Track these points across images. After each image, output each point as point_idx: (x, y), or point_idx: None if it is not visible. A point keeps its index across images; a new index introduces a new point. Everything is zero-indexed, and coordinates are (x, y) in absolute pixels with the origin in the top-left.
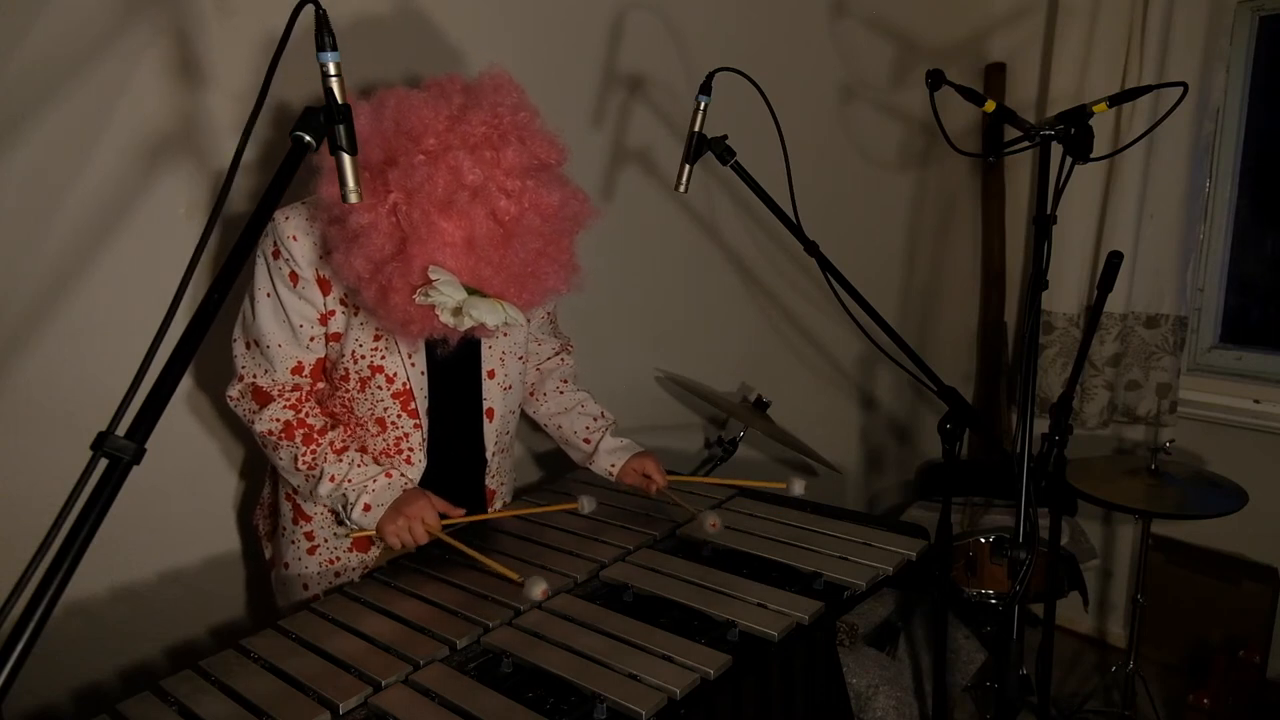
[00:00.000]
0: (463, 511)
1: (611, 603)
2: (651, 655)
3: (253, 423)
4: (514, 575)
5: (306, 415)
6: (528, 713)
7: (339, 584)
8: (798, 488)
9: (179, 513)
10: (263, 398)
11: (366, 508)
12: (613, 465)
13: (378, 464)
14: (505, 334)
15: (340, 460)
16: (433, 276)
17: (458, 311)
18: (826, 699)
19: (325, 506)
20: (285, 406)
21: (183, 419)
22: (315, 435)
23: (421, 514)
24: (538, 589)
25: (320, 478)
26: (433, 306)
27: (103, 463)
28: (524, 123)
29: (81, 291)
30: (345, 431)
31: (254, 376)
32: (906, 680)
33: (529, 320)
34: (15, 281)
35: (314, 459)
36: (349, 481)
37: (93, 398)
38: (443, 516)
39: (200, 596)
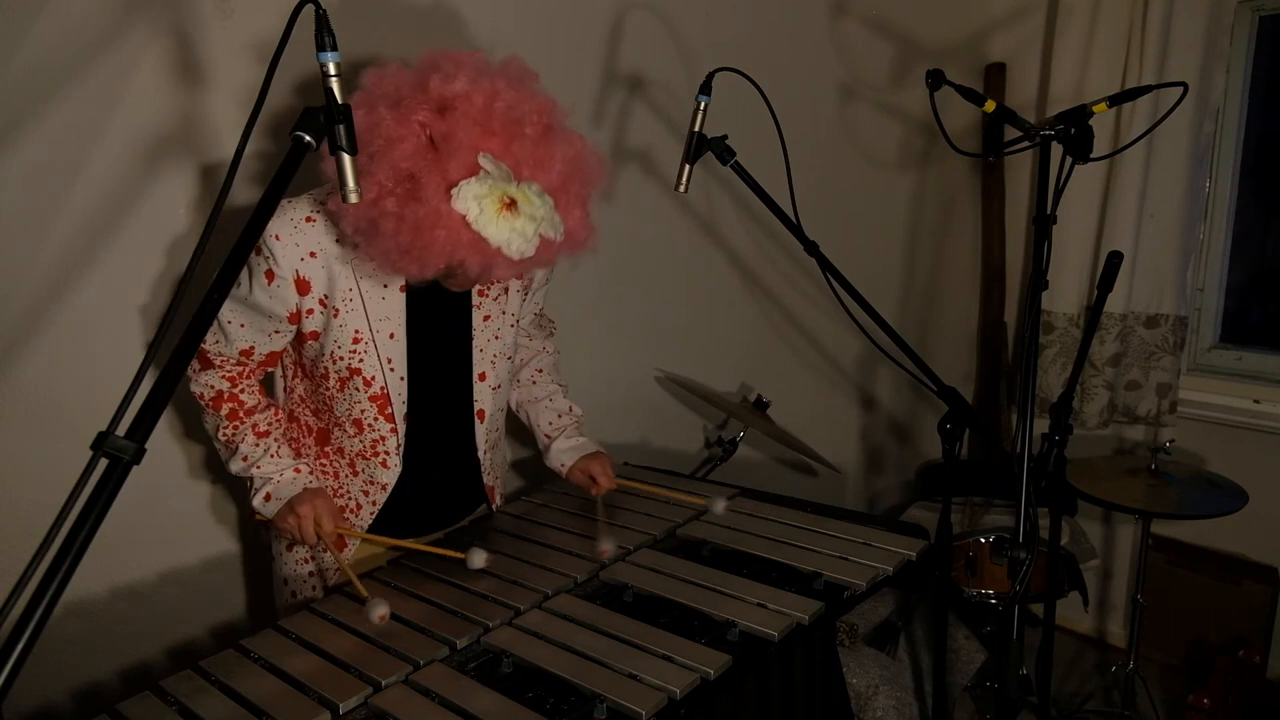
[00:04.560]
0: (349, 524)
1: (611, 603)
2: (651, 655)
3: (190, 380)
4: (364, 593)
5: (241, 391)
6: (528, 713)
7: (313, 584)
8: (718, 507)
9: (179, 513)
10: (205, 362)
11: (267, 497)
12: (563, 464)
13: (291, 457)
14: (501, 286)
15: (258, 444)
16: (484, 164)
17: (507, 206)
18: (826, 699)
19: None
20: (223, 377)
21: (183, 418)
22: (242, 413)
23: (313, 514)
24: (376, 612)
25: (235, 454)
26: (465, 215)
27: (103, 462)
28: (539, 83)
29: (82, 291)
30: (274, 414)
31: (203, 340)
32: (906, 680)
33: (521, 319)
34: (16, 281)
35: (234, 434)
36: (258, 468)
37: (93, 397)
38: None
39: (200, 596)
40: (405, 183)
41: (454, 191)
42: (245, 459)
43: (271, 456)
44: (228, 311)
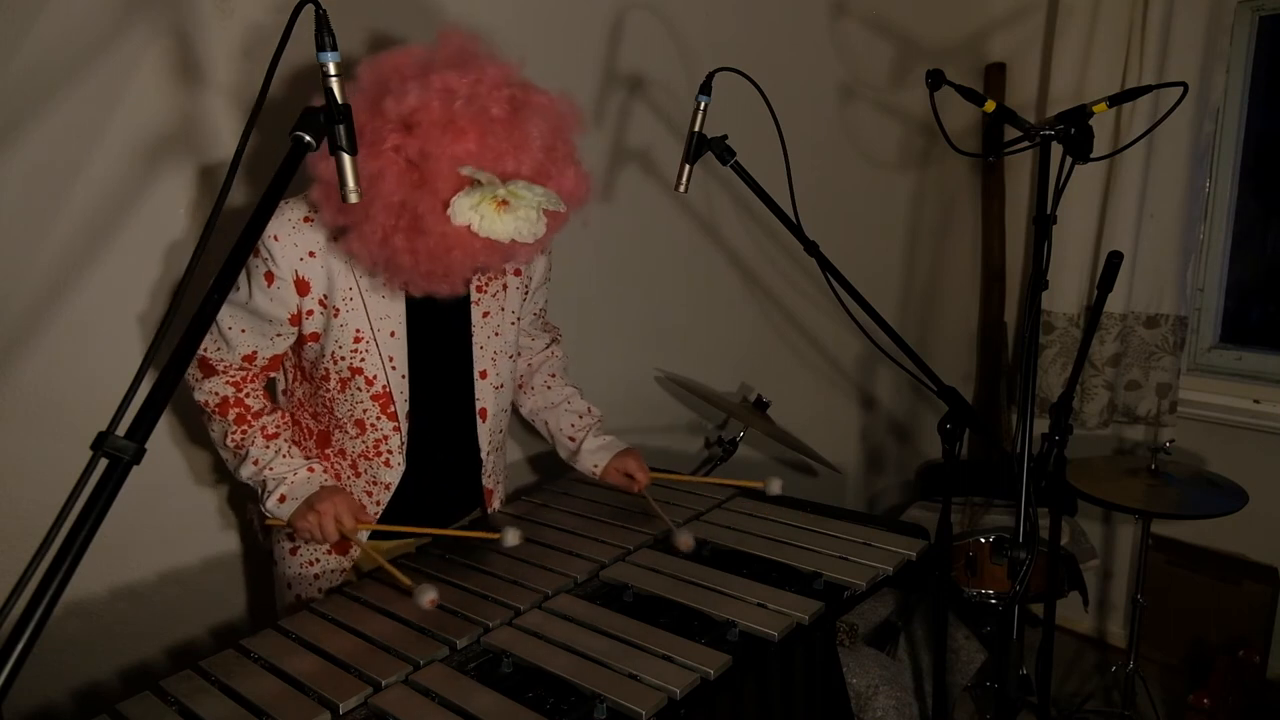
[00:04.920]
0: (372, 519)
1: (611, 603)
2: (651, 655)
3: (193, 389)
4: (407, 581)
5: (246, 395)
6: (528, 713)
7: (319, 585)
8: (775, 486)
9: (179, 513)
10: (206, 369)
11: (282, 498)
12: (595, 465)
13: (304, 457)
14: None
15: (268, 447)
16: (466, 173)
17: (503, 204)
18: (826, 699)
19: (249, 485)
20: (227, 382)
21: (183, 418)
22: (249, 417)
23: (334, 511)
24: (426, 597)
25: (245, 459)
26: (469, 226)
27: (103, 462)
28: (487, 50)
29: (82, 291)
30: (281, 417)
31: (204, 349)
32: (906, 680)
33: (521, 317)
34: (16, 281)
35: (242, 439)
36: (270, 469)
37: (93, 397)
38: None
39: (200, 596)
40: (403, 215)
41: (449, 212)
42: (256, 463)
43: (283, 457)
44: (228, 318)
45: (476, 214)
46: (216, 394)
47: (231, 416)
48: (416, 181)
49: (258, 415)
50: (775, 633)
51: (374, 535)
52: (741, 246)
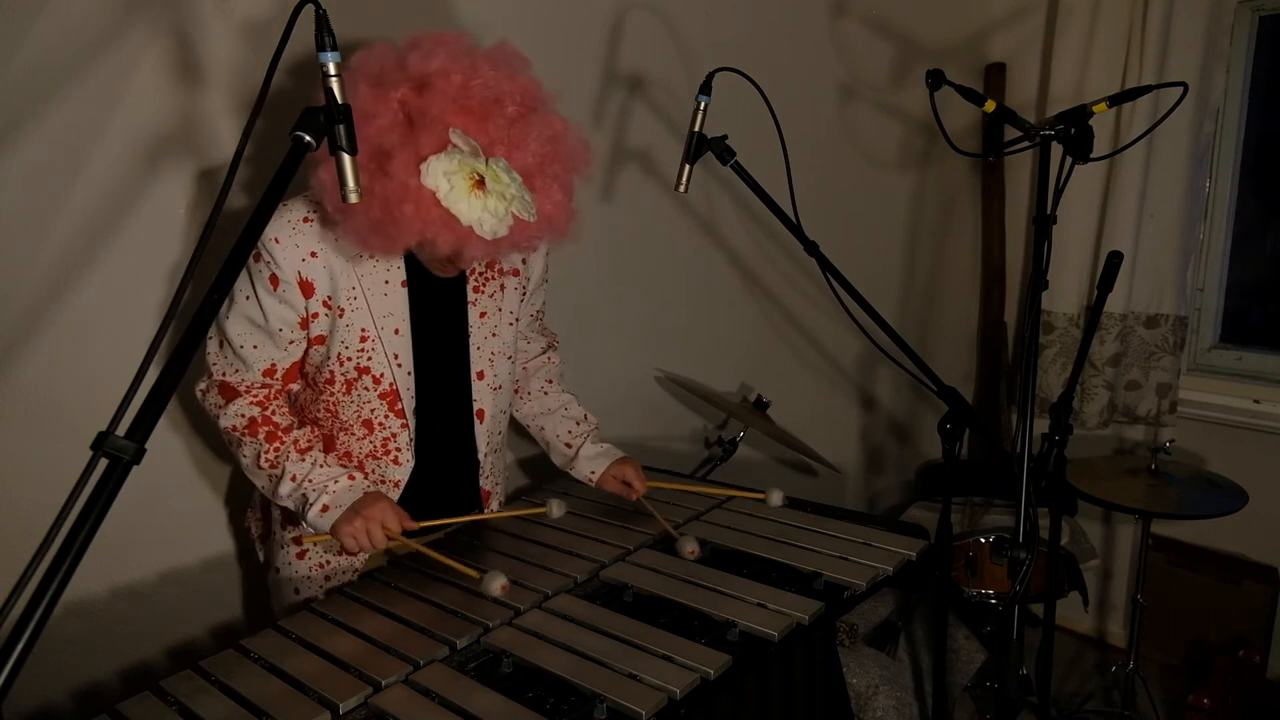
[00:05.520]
0: (415, 521)
1: (611, 603)
2: (651, 655)
3: (218, 417)
4: (473, 573)
5: (273, 413)
6: (528, 713)
7: (331, 586)
8: (776, 499)
9: (179, 513)
10: (229, 393)
11: (324, 508)
12: (592, 472)
13: (342, 466)
14: (496, 284)
15: (303, 459)
16: (454, 139)
17: (478, 185)
18: (826, 699)
19: (288, 506)
20: (251, 402)
21: (182, 418)
22: (279, 433)
23: (380, 517)
24: (496, 583)
25: (282, 476)
26: (434, 192)
27: (103, 463)
28: (534, 73)
29: (82, 291)
30: (311, 432)
31: (223, 374)
32: (906, 680)
33: (519, 317)
34: (16, 281)
35: (276, 457)
36: (309, 481)
37: (93, 397)
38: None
39: (200, 596)
40: (378, 158)
41: (422, 167)
42: (294, 478)
43: (320, 467)
44: (238, 336)
45: (448, 182)
46: (243, 416)
47: (262, 435)
48: (405, 134)
49: (287, 430)
50: (775, 633)
51: (416, 533)
52: (741, 246)
